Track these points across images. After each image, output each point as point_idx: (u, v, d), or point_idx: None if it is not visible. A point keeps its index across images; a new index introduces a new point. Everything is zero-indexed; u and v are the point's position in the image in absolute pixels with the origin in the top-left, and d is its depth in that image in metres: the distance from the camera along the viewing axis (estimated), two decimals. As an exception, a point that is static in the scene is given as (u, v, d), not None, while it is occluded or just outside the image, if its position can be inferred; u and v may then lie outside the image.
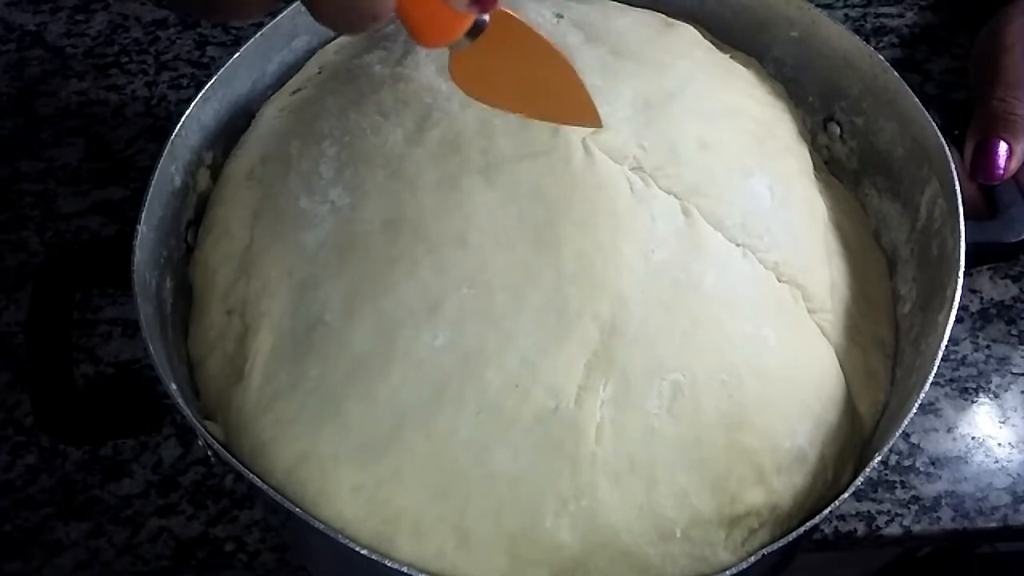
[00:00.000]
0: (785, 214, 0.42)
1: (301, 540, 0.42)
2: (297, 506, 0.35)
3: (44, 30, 0.65)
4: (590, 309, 0.37)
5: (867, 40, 0.46)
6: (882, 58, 0.46)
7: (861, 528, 0.49)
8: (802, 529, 0.36)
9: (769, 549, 0.35)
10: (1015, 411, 0.52)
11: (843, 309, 0.43)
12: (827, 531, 0.49)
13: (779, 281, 0.41)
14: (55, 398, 0.40)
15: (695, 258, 0.39)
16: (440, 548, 0.36)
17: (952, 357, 0.53)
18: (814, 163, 0.48)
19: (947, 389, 0.52)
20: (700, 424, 0.37)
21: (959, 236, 0.41)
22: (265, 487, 0.34)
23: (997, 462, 0.50)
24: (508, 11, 0.34)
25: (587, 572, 0.36)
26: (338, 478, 0.36)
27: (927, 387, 0.38)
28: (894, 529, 0.49)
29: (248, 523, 0.48)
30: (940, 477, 0.50)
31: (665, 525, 0.36)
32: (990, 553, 0.81)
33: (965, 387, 0.53)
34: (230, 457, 0.35)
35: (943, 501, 0.49)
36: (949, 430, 0.51)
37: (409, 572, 0.34)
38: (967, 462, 0.50)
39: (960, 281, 0.40)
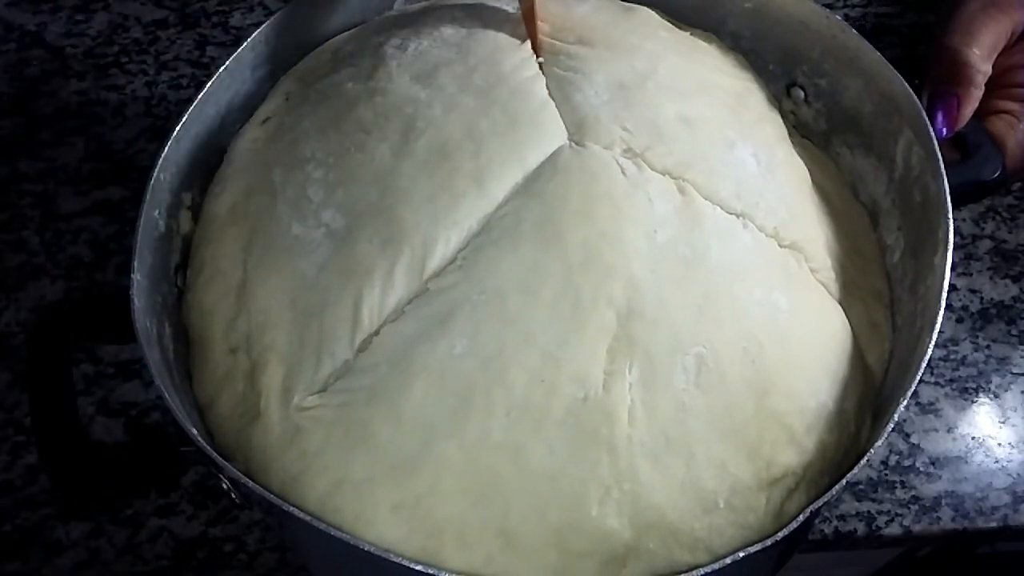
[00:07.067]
0: (773, 179, 0.43)
1: (343, 565, 0.42)
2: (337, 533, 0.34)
3: (44, 30, 0.65)
4: (604, 295, 0.37)
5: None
6: (839, 17, 0.47)
7: (861, 528, 0.49)
8: (844, 480, 0.36)
9: (815, 506, 0.36)
10: (1015, 411, 0.52)
11: (839, 265, 0.44)
12: (827, 531, 0.49)
13: (780, 246, 0.42)
14: (69, 463, 0.39)
15: (698, 233, 0.39)
16: (488, 554, 0.36)
17: (952, 357, 0.54)
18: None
19: (947, 389, 0.53)
20: (728, 393, 0.37)
21: (942, 178, 0.42)
22: (308, 518, 0.34)
23: (997, 462, 0.50)
24: None
25: (637, 556, 0.36)
26: (375, 500, 0.36)
27: (937, 328, 0.38)
28: (894, 529, 0.49)
29: (248, 523, 0.48)
30: (940, 477, 0.50)
31: (707, 497, 0.37)
32: (990, 553, 0.81)
33: (965, 387, 0.53)
34: (264, 492, 0.35)
35: (943, 501, 0.49)
36: (949, 430, 0.51)
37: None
38: (967, 462, 0.50)
39: (951, 221, 0.41)
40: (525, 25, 0.44)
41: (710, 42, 0.49)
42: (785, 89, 0.50)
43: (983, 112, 0.50)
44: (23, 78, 0.63)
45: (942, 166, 0.42)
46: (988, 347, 0.54)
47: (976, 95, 0.49)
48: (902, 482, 0.50)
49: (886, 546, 0.50)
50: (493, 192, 0.39)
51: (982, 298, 0.56)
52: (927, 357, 0.38)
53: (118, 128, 0.61)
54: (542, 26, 0.45)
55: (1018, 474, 0.50)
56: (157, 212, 0.41)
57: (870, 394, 0.42)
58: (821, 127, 0.50)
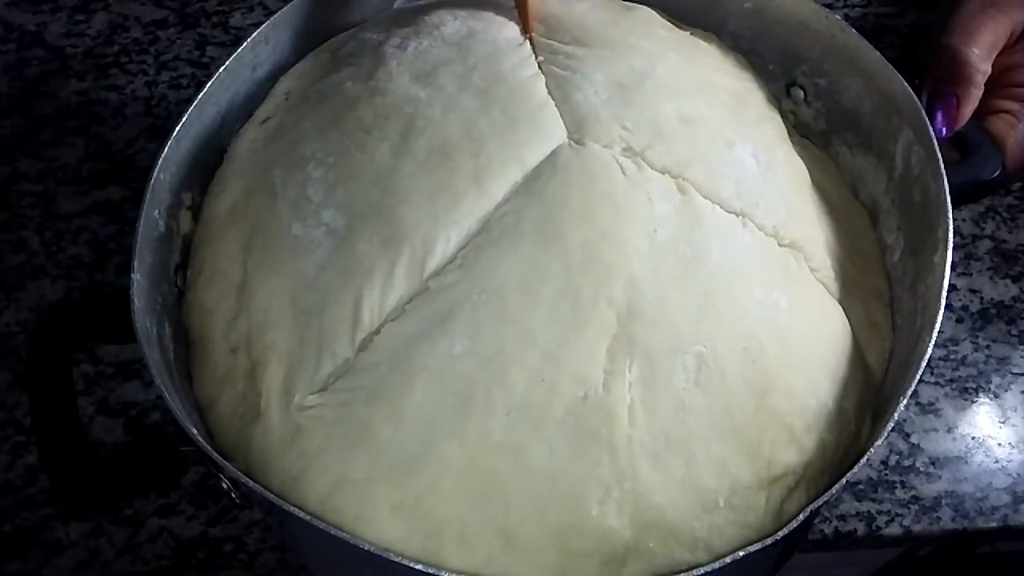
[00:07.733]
0: (773, 179, 0.43)
1: (343, 565, 0.42)
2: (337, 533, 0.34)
3: (44, 30, 0.65)
4: (604, 295, 0.37)
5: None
6: (839, 17, 0.47)
7: (861, 528, 0.49)
8: (844, 480, 0.36)
9: (815, 505, 0.36)
10: (1015, 411, 0.52)
11: (839, 265, 0.44)
12: (827, 531, 0.49)
13: (780, 246, 0.42)
14: (69, 463, 0.39)
15: (697, 233, 0.39)
16: (488, 554, 0.36)
17: (952, 357, 0.54)
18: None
19: (947, 389, 0.53)
20: (728, 393, 0.37)
21: (941, 178, 0.42)
22: (308, 517, 0.34)
23: (997, 462, 0.50)
24: None
25: (637, 555, 0.36)
26: (376, 500, 0.36)
27: (937, 327, 0.38)
28: (894, 529, 0.49)
29: (248, 523, 0.48)
30: (940, 477, 0.50)
31: (707, 496, 0.37)
32: (990, 553, 0.81)
33: (965, 387, 0.53)
34: (264, 492, 0.35)
35: (943, 501, 0.49)
36: (949, 430, 0.51)
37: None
38: (967, 462, 0.50)
39: (951, 221, 0.41)
40: (519, 15, 0.44)
41: (710, 42, 0.49)
42: (785, 89, 0.51)
43: (983, 112, 0.50)
44: (23, 78, 0.63)
45: (942, 166, 0.42)
46: (988, 347, 0.54)
47: (976, 95, 0.49)
48: (902, 482, 0.50)
49: (886, 546, 0.51)
50: (493, 191, 0.39)
51: (982, 298, 0.56)
52: (927, 356, 0.38)
53: (118, 128, 0.61)
54: (538, 27, 0.45)
55: (1018, 474, 0.50)
56: (157, 212, 0.41)
57: (870, 393, 0.42)
58: (821, 127, 0.50)
